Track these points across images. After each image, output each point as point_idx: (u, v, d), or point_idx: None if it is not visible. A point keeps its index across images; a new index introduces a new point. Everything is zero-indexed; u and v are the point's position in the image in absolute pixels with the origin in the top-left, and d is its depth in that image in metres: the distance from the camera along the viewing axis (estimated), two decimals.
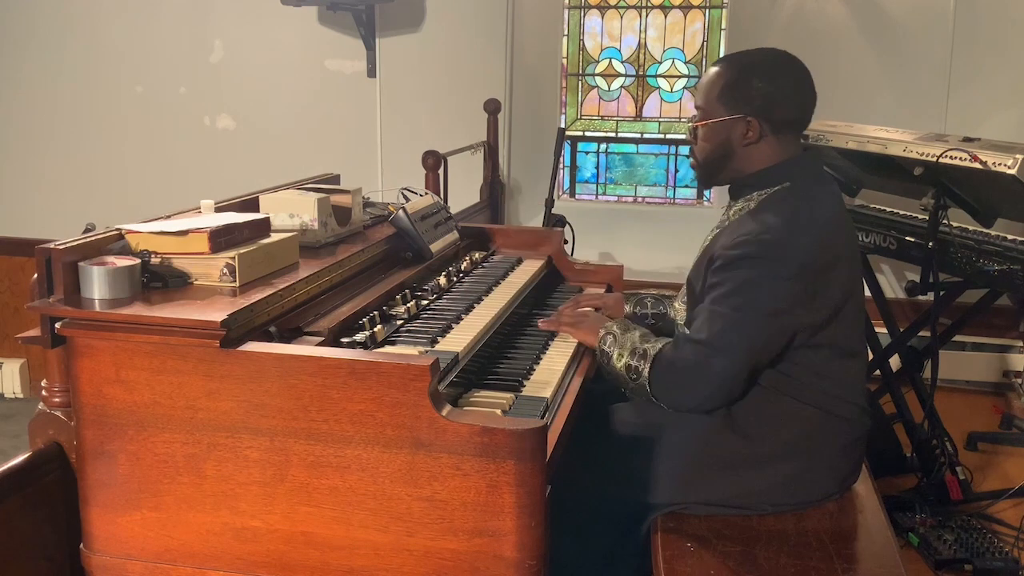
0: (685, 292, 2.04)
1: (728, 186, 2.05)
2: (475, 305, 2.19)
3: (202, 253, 1.74)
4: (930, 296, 3.02)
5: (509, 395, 1.80)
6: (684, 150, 4.78)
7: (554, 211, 4.07)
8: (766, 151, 1.94)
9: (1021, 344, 4.01)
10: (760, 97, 1.91)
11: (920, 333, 3.46)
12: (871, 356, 3.32)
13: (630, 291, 2.42)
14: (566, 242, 2.97)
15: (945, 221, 2.95)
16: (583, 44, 4.79)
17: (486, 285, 2.36)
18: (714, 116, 1.96)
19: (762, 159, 1.95)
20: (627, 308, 2.33)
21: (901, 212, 3.39)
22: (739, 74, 1.94)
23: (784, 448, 1.88)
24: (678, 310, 2.09)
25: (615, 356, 1.95)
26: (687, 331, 1.90)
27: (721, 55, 4.59)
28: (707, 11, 4.63)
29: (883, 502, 1.98)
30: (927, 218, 2.99)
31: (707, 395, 1.83)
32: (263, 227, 1.94)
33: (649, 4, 4.68)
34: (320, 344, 1.70)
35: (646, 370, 1.87)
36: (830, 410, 1.90)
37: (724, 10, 4.60)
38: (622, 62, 4.78)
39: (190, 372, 1.56)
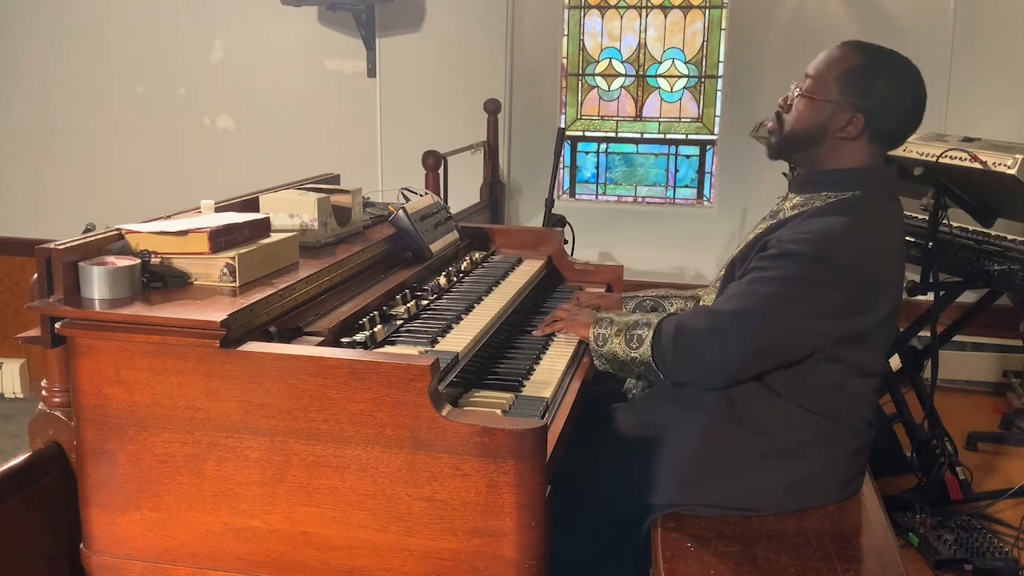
0: (719, 278, 1.99)
1: (789, 172, 1.99)
2: (475, 305, 2.19)
3: (202, 253, 1.74)
4: (930, 296, 3.02)
5: (509, 395, 1.80)
6: (684, 150, 4.79)
7: (554, 211, 4.08)
8: (854, 152, 1.87)
9: (1021, 344, 4.01)
10: (878, 98, 1.82)
11: (920, 333, 3.46)
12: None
13: (628, 293, 2.41)
14: (566, 242, 2.97)
15: (945, 221, 2.95)
16: (583, 44, 4.79)
17: (486, 285, 2.36)
18: (824, 94, 1.85)
19: (846, 159, 1.87)
20: (626, 309, 2.32)
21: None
22: (868, 65, 1.84)
23: (787, 450, 1.87)
24: (706, 300, 2.05)
25: (612, 333, 1.92)
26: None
27: (721, 55, 4.62)
28: (707, 11, 4.63)
29: (883, 502, 1.98)
30: (927, 218, 2.99)
31: (709, 369, 1.80)
32: (263, 227, 1.93)
33: (649, 4, 4.68)
34: (320, 344, 1.70)
35: (648, 336, 1.84)
36: (838, 420, 1.88)
37: (724, 10, 4.60)
38: (622, 62, 4.78)
39: (190, 372, 1.56)
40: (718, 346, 1.78)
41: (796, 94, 1.91)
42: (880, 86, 1.83)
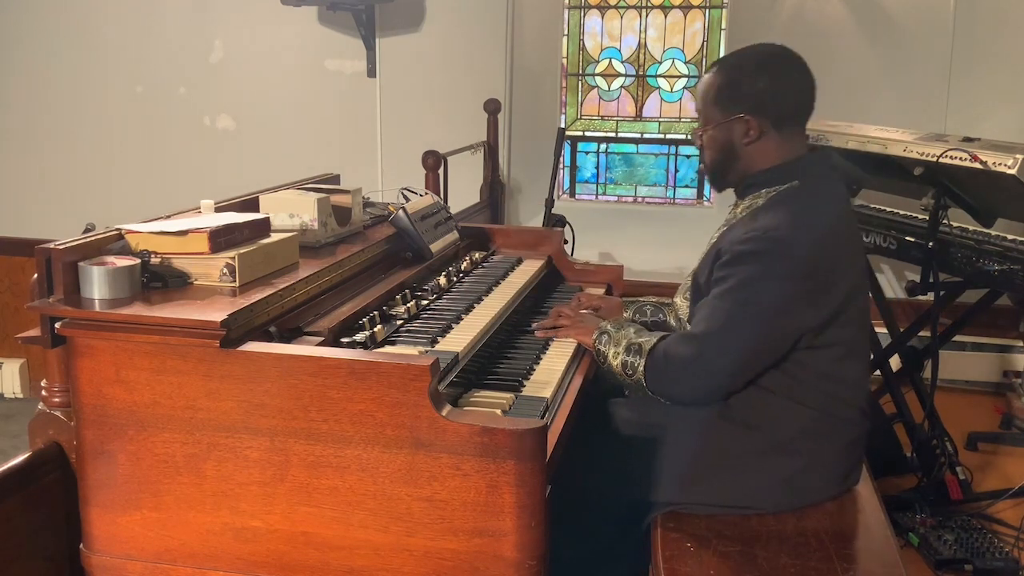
0: (689, 288, 2.03)
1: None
2: (475, 305, 2.19)
3: (202, 253, 1.74)
4: (930, 296, 3.02)
5: (509, 395, 1.80)
6: (684, 150, 4.79)
7: (554, 211, 4.07)
8: (771, 148, 1.93)
9: (1021, 344, 4.01)
10: (753, 94, 1.91)
11: (920, 333, 3.46)
12: (871, 356, 3.31)
13: (629, 298, 2.41)
14: (566, 242, 2.97)
15: (945, 221, 2.95)
16: (583, 44, 4.79)
17: (486, 285, 2.36)
18: (712, 121, 1.96)
19: (768, 157, 1.94)
20: (626, 314, 2.32)
21: (901, 212, 3.38)
22: (730, 74, 1.94)
23: (784, 444, 1.88)
24: (679, 305, 2.08)
25: (611, 355, 1.95)
26: (688, 326, 1.89)
27: (721, 55, 4.61)
28: (707, 11, 4.63)
29: (883, 502, 1.98)
30: (927, 218, 2.99)
31: (703, 389, 1.84)
32: (263, 227, 1.94)
33: (649, 4, 4.68)
34: (320, 344, 1.70)
35: (641, 365, 1.87)
36: (831, 412, 1.89)
37: (724, 10, 4.60)
38: (622, 62, 4.78)
39: (190, 372, 1.56)
40: (703, 371, 1.81)
41: (698, 134, 2.02)
42: (747, 84, 1.92)
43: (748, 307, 1.79)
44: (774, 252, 1.79)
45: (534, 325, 2.24)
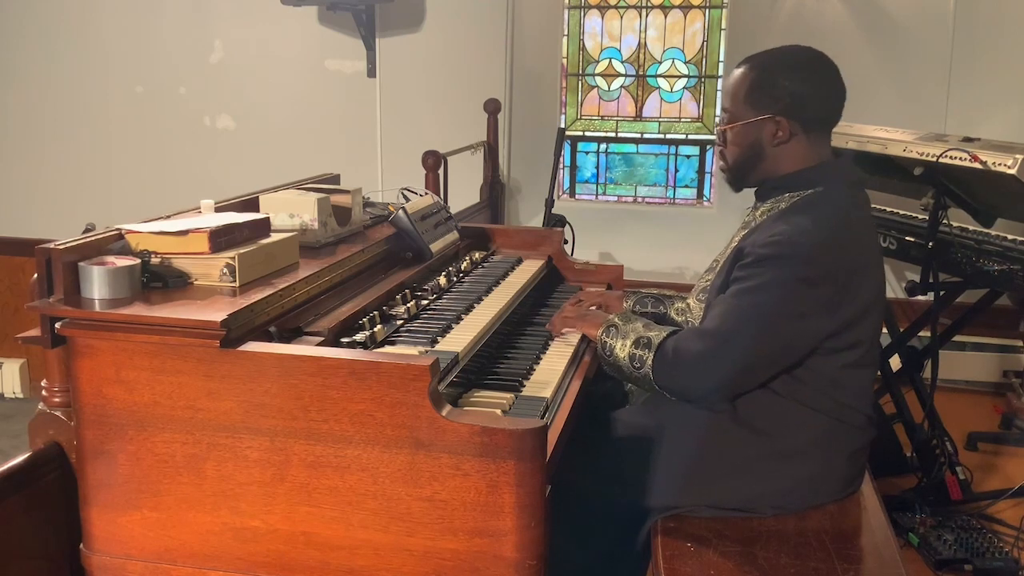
0: (702, 290, 2.02)
1: (755, 188, 2.02)
2: (475, 305, 2.19)
3: (202, 253, 1.74)
4: (930, 296, 3.02)
5: (509, 395, 1.80)
6: (684, 150, 4.79)
7: (554, 211, 4.08)
8: (798, 151, 1.92)
9: (1021, 344, 4.01)
10: (788, 95, 1.89)
11: (920, 333, 3.46)
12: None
13: (631, 289, 2.41)
14: (566, 242, 2.96)
15: (945, 221, 2.95)
16: (583, 44, 4.79)
17: (486, 285, 2.36)
18: (742, 118, 1.93)
19: (794, 160, 1.92)
20: (627, 304, 2.32)
21: (901, 212, 3.39)
22: (765, 73, 1.91)
23: (792, 451, 1.87)
24: (693, 307, 2.06)
25: (617, 347, 1.93)
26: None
27: (721, 55, 4.63)
28: (707, 11, 4.64)
29: (883, 502, 1.98)
30: (927, 218, 2.99)
31: (710, 388, 1.81)
32: (263, 227, 1.93)
33: (649, 4, 4.68)
34: (320, 344, 1.70)
35: (649, 358, 1.85)
36: (840, 418, 1.88)
37: (724, 10, 4.60)
38: (622, 62, 4.78)
39: (190, 372, 1.56)
40: (713, 367, 1.79)
41: (722, 130, 1.99)
42: (782, 84, 1.90)
43: (763, 309, 1.77)
44: (795, 257, 1.77)
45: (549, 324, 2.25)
